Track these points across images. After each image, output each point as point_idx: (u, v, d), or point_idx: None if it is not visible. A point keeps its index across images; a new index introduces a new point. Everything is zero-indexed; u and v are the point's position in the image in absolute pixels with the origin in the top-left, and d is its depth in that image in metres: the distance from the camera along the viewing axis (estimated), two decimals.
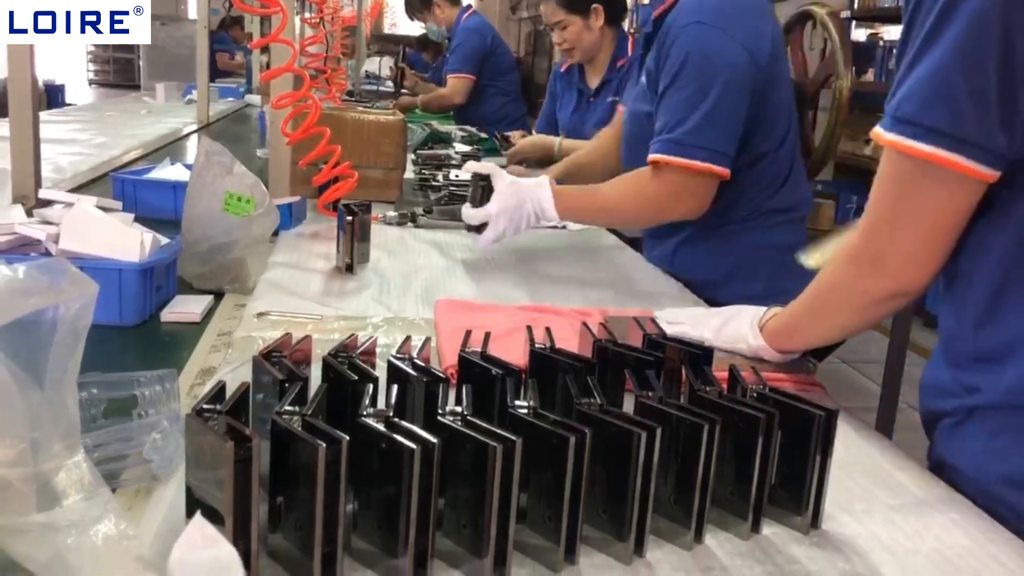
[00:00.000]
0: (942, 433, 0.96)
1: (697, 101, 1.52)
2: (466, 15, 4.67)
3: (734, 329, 1.13)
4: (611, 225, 1.82)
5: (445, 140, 3.13)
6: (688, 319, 1.18)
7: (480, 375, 0.81)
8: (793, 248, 1.50)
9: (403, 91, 4.92)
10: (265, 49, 4.67)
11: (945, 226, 0.88)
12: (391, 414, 0.66)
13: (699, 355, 0.89)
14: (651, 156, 1.56)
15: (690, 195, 1.57)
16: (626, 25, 3.34)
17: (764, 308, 1.14)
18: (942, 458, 0.95)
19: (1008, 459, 0.87)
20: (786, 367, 1.11)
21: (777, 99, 1.62)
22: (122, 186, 1.89)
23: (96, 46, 12.95)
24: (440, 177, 2.22)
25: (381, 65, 5.67)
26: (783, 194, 1.69)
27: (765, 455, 0.74)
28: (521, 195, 1.57)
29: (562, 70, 3.19)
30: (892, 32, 5.34)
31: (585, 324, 0.98)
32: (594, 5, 2.75)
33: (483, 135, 3.62)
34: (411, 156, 2.65)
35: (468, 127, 3.85)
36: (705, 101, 1.51)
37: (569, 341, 0.96)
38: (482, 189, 1.59)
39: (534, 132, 3.25)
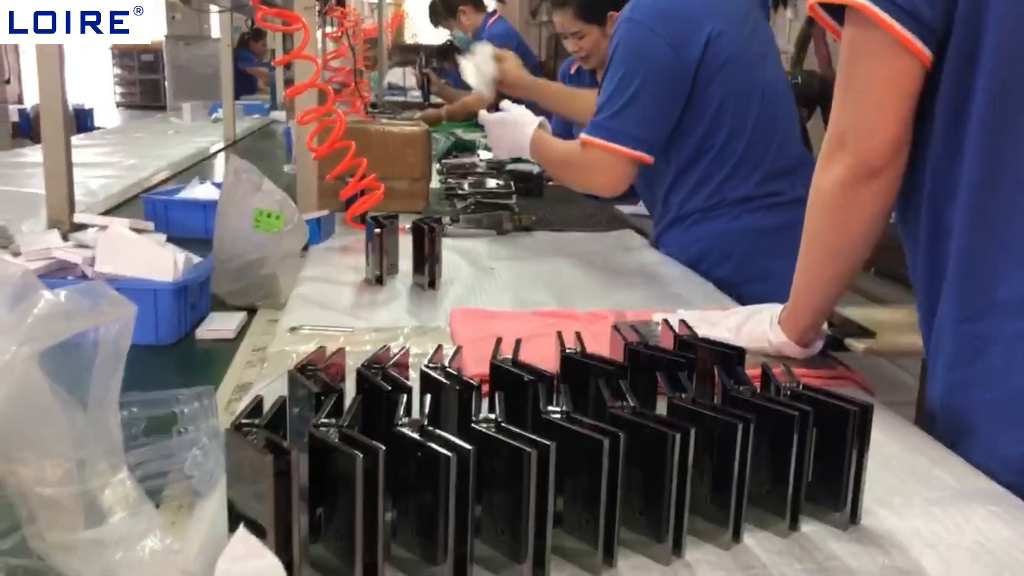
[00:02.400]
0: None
1: (621, 89, 1.68)
2: (491, 21, 4.67)
3: (754, 328, 1.13)
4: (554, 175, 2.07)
5: (470, 148, 3.15)
6: (702, 321, 1.17)
7: (512, 382, 0.82)
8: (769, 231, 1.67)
9: (431, 98, 4.88)
10: (288, 65, 4.71)
11: (890, 97, 0.93)
12: (426, 423, 0.67)
13: (731, 355, 0.89)
14: (580, 136, 1.74)
15: (604, 172, 1.73)
16: None
17: (781, 305, 1.13)
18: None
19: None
20: (810, 363, 1.10)
21: (723, 92, 1.70)
22: (153, 207, 1.92)
23: (122, 68, 13.12)
24: (466, 185, 2.23)
25: (405, 75, 5.66)
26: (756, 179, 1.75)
27: (801, 452, 0.74)
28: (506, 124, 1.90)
29: (571, 71, 3.17)
30: None
31: (616, 328, 0.99)
32: (610, 13, 2.74)
33: None
34: (436, 166, 2.67)
35: None
36: (627, 90, 1.67)
37: (587, 345, 0.95)
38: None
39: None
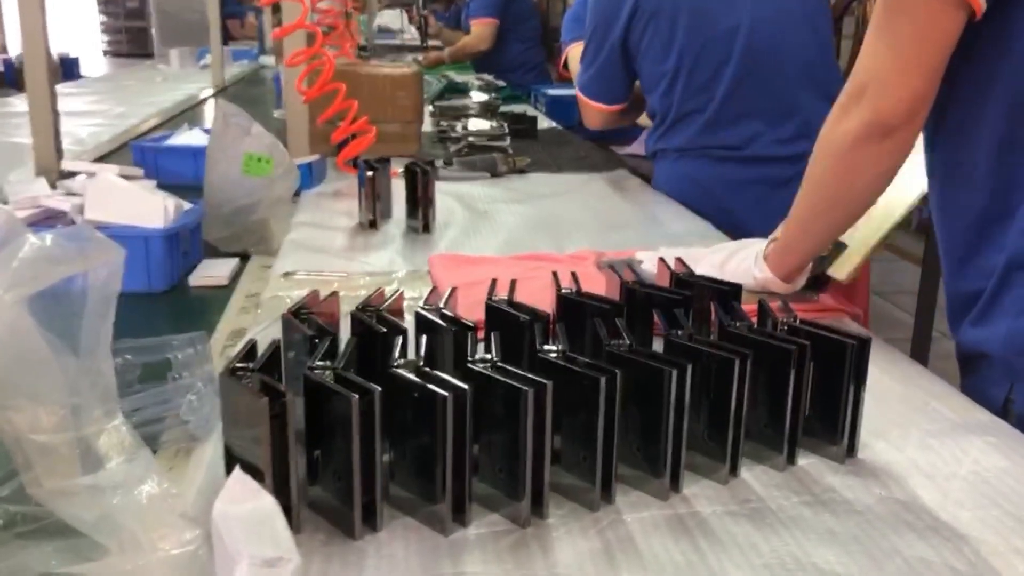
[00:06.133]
0: (971, 322, 0.95)
1: (585, 46, 1.91)
2: None
3: (738, 264, 1.12)
4: None
5: (462, 90, 3.10)
6: (686, 257, 1.15)
7: (507, 323, 0.81)
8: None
9: (429, 41, 4.80)
10: (276, 8, 4.61)
11: (925, 53, 0.88)
12: (422, 364, 0.66)
13: (728, 292, 0.89)
14: None
15: (586, 115, 2.00)
16: None
17: (765, 241, 1.12)
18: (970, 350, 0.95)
19: None
20: (793, 299, 1.09)
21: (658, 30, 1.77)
22: (142, 154, 1.90)
23: (108, 16, 12.90)
24: (459, 128, 2.20)
25: (402, 16, 5.55)
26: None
27: (798, 387, 0.74)
28: None
29: None
30: None
31: (611, 267, 0.98)
32: None
33: (501, 83, 3.58)
34: (428, 108, 2.63)
35: (485, 75, 3.81)
36: (586, 47, 1.89)
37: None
38: None
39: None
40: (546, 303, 0.88)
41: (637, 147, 2.62)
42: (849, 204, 0.99)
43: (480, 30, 4.39)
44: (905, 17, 0.88)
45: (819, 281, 1.14)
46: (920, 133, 0.94)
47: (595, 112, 1.97)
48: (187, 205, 1.33)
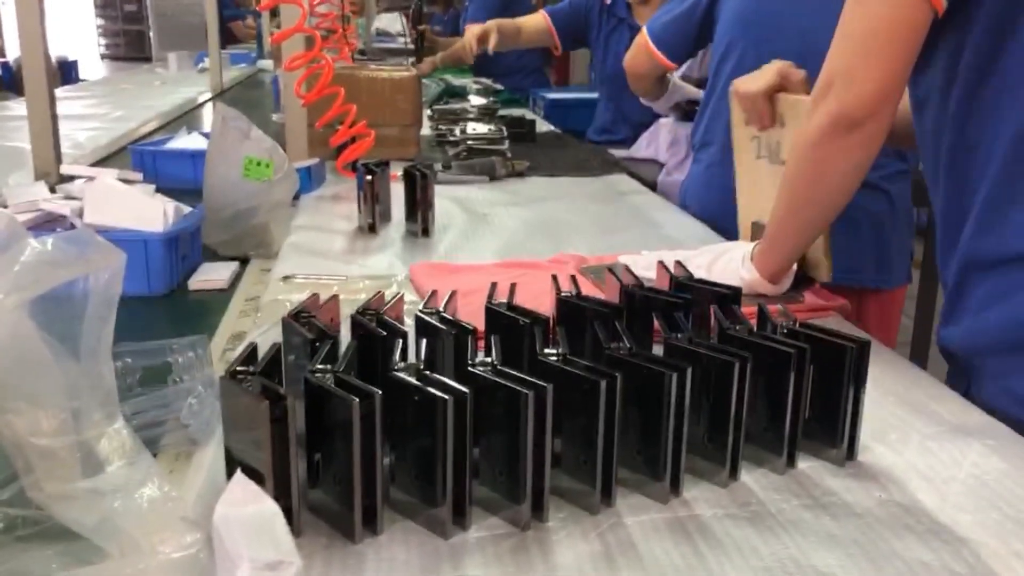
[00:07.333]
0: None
1: None
2: None
3: (725, 266, 1.12)
4: None
5: (460, 94, 3.11)
6: (672, 259, 1.16)
7: (507, 326, 0.81)
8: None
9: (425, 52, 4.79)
10: (274, 12, 4.61)
11: (889, 46, 0.89)
12: (422, 367, 0.66)
13: (727, 295, 0.89)
14: None
15: (631, 50, 2.00)
16: None
17: (753, 243, 1.12)
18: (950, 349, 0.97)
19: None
20: (780, 300, 1.09)
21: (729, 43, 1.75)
22: (141, 158, 1.89)
23: (106, 19, 12.92)
24: (457, 131, 2.21)
25: (401, 20, 5.55)
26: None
27: (797, 390, 0.74)
28: None
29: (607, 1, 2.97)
30: None
31: (611, 270, 0.98)
32: None
33: (499, 87, 3.59)
34: (427, 112, 2.64)
35: (483, 79, 3.81)
36: None
37: (547, 295, 0.93)
38: None
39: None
40: (546, 307, 0.88)
41: (635, 151, 2.63)
42: (823, 199, 1.00)
43: None
44: (868, 11, 0.90)
45: (803, 282, 1.14)
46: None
47: (645, 56, 1.94)
48: (186, 209, 1.33)
